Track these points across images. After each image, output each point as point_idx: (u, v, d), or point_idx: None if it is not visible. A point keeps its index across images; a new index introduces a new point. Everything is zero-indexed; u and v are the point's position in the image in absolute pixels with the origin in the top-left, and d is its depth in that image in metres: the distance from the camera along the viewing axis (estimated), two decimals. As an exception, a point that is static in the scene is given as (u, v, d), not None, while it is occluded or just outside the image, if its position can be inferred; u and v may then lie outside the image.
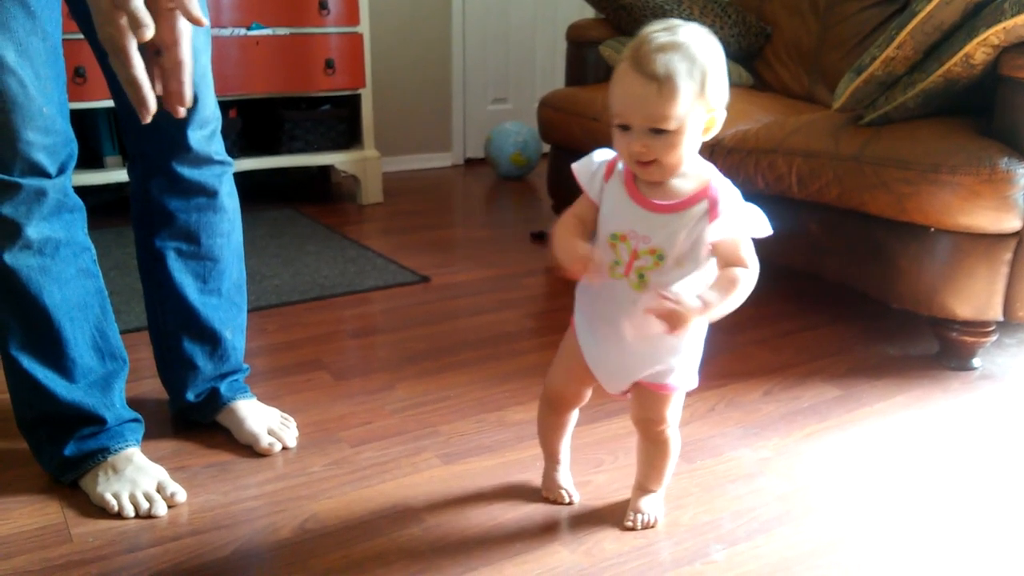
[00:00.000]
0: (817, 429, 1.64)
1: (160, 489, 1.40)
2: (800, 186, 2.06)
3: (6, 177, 1.24)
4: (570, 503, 1.38)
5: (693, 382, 1.26)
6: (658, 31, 1.08)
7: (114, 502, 1.37)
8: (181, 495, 1.40)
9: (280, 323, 2.22)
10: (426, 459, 1.53)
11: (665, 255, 1.15)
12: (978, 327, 1.87)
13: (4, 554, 1.27)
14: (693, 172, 1.14)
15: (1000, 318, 1.85)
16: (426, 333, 2.15)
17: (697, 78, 1.06)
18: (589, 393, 1.32)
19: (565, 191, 2.96)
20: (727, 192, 1.14)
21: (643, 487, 1.34)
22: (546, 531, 1.31)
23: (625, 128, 1.09)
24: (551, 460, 1.41)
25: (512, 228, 3.18)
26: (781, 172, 2.10)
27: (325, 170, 3.85)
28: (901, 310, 1.96)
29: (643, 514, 1.32)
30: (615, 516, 1.35)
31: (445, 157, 4.41)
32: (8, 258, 1.29)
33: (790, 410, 1.71)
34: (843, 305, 2.29)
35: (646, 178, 1.14)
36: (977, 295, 1.82)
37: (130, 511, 1.36)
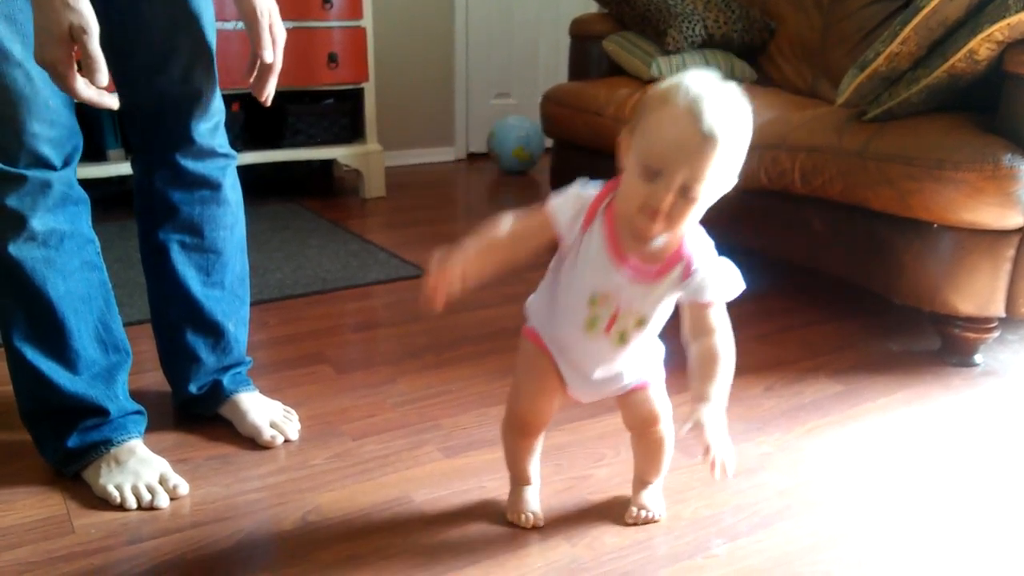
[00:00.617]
0: (818, 425, 1.64)
1: (162, 481, 1.40)
2: (803, 181, 2.06)
3: (11, 169, 1.25)
4: (535, 527, 1.31)
5: (662, 374, 1.27)
6: (710, 85, 1.01)
7: (116, 494, 1.37)
8: (183, 487, 1.40)
9: (282, 317, 2.22)
10: (428, 452, 1.53)
11: (646, 319, 1.16)
12: (980, 323, 1.87)
13: (7, 545, 1.27)
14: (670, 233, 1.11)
15: (1002, 314, 1.84)
16: (428, 327, 2.15)
17: (740, 153, 1.03)
18: (557, 406, 1.28)
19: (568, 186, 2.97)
20: (700, 252, 1.12)
21: (642, 480, 1.34)
22: (548, 525, 1.31)
23: (653, 175, 1.02)
24: (520, 481, 1.34)
25: (515, 223, 3.18)
26: (784, 167, 2.10)
27: (327, 164, 3.85)
28: (903, 306, 1.96)
29: (646, 509, 1.32)
30: (616, 510, 1.35)
31: (448, 152, 4.41)
32: (13, 249, 1.29)
33: (792, 406, 1.71)
34: (845, 301, 2.29)
35: (644, 232, 1.07)
36: (979, 291, 1.82)
37: (132, 503, 1.36)
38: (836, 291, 2.34)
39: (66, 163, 1.31)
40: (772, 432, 1.61)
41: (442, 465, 1.49)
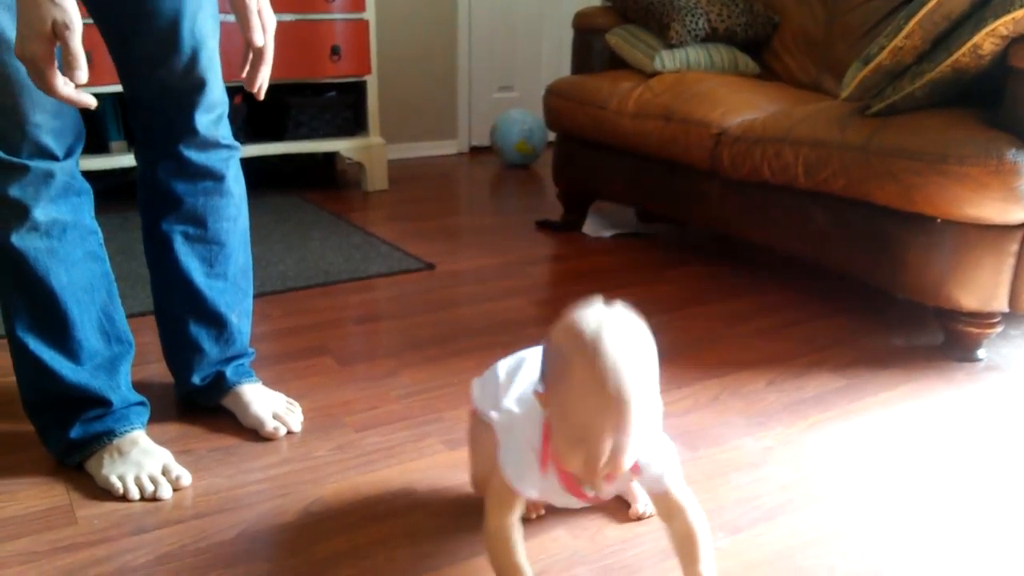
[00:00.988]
0: (820, 419, 1.64)
1: (165, 472, 1.40)
2: (806, 176, 2.06)
3: (14, 159, 1.25)
4: (537, 517, 1.28)
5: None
6: (605, 334, 0.98)
7: (119, 484, 1.37)
8: (186, 478, 1.41)
9: (285, 309, 2.22)
10: (430, 444, 1.53)
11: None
12: (983, 318, 1.87)
13: (9, 535, 1.27)
14: None
15: (1005, 309, 1.84)
16: (431, 320, 2.15)
17: (650, 386, 1.01)
18: None
19: (571, 179, 2.97)
20: (645, 450, 1.08)
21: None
22: (549, 517, 1.31)
23: (579, 441, 1.00)
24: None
25: (517, 216, 3.18)
26: (787, 161, 2.10)
27: (330, 157, 3.85)
28: (906, 301, 1.96)
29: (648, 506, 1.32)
30: (618, 503, 1.35)
31: (450, 145, 4.41)
32: (16, 239, 1.29)
33: (793, 400, 1.71)
34: (848, 295, 2.29)
35: (596, 487, 1.08)
36: (983, 286, 1.82)
37: (135, 493, 1.37)
38: (838, 286, 2.34)
39: (68, 154, 1.31)
40: (774, 427, 1.61)
41: (445, 457, 1.49)
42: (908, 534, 1.28)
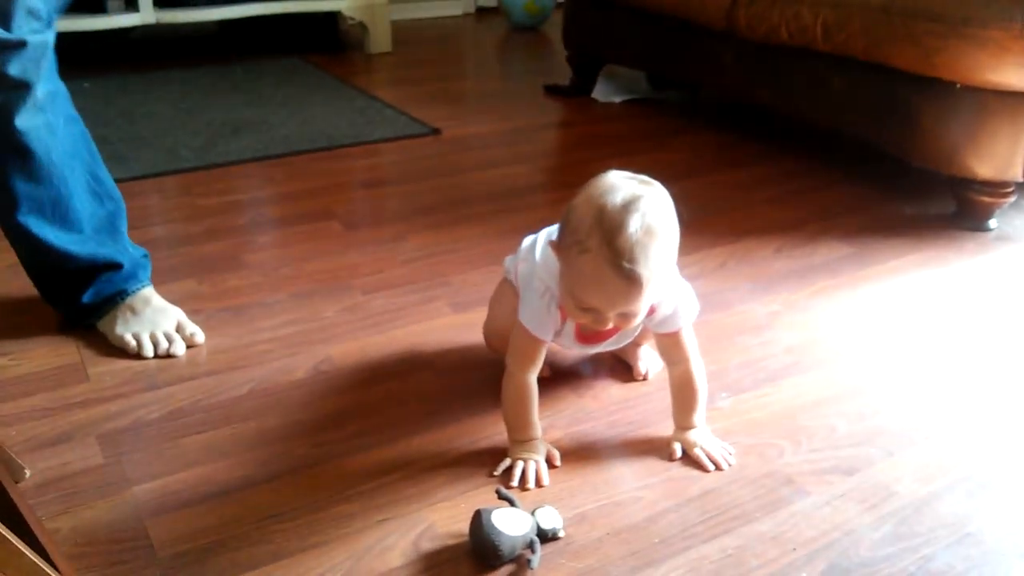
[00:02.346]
0: (828, 285, 1.64)
1: (179, 329, 1.41)
2: (825, 38, 2.00)
3: (11, 36, 1.19)
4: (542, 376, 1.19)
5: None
6: (629, 216, 0.98)
7: (134, 342, 1.38)
8: (200, 335, 1.42)
9: (288, 172, 2.20)
10: (437, 307, 1.54)
11: (622, 342, 1.21)
12: (997, 187, 1.84)
13: (23, 392, 1.29)
14: None
15: (1020, 179, 1.82)
16: (437, 185, 2.13)
17: (665, 267, 1.03)
18: None
19: (581, 42, 2.88)
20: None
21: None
22: (555, 376, 1.33)
23: (587, 310, 1.03)
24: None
25: (525, 80, 3.10)
26: (806, 23, 2.03)
27: (332, 17, 3.73)
28: (919, 169, 1.93)
29: (643, 361, 1.34)
30: (624, 365, 1.36)
31: (456, 5, 4.27)
32: (19, 122, 1.25)
33: (802, 266, 1.71)
34: (861, 163, 2.25)
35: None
36: (999, 155, 1.79)
37: (149, 350, 1.38)
38: (852, 153, 2.30)
39: (51, 20, 1.25)
40: (780, 292, 1.61)
41: (451, 319, 1.50)
42: (911, 398, 1.30)
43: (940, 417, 1.25)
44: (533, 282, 1.14)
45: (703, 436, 1.16)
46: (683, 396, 1.17)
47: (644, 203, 1.00)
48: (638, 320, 1.06)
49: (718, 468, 1.13)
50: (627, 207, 0.99)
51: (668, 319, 1.14)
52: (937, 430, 1.22)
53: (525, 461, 1.12)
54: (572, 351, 1.28)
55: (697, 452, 1.14)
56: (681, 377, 1.17)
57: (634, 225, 0.98)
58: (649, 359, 1.35)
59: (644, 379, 1.33)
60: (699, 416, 1.17)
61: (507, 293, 1.26)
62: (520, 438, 1.15)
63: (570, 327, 1.15)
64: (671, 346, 1.16)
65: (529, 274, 1.16)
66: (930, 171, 1.90)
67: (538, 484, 1.11)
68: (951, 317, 1.54)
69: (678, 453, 1.15)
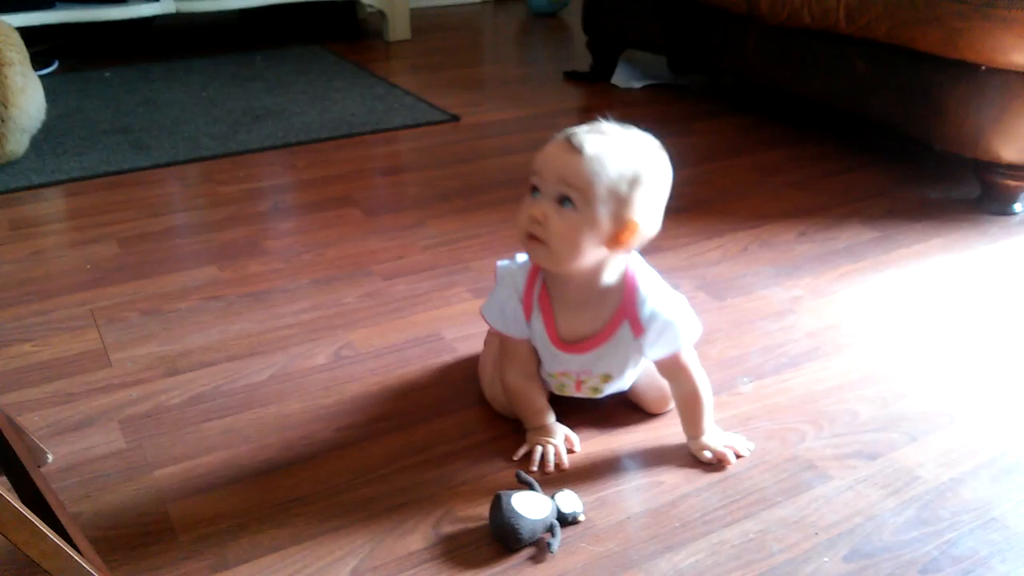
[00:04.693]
0: (851, 269, 1.62)
1: None
2: (848, 20, 1.97)
3: None
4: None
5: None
6: (608, 126, 1.00)
7: None
8: None
9: (309, 159, 2.20)
10: (457, 293, 1.54)
11: (612, 374, 1.13)
12: (1022, 171, 1.81)
13: (45, 378, 1.30)
14: (611, 288, 1.06)
15: (1047, 162, 1.79)
16: (456, 172, 2.13)
17: (626, 174, 0.96)
18: None
19: (601, 27, 2.86)
20: (647, 297, 1.06)
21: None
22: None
23: (534, 191, 0.99)
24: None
25: (544, 66, 3.09)
26: (829, 6, 2.00)
27: (351, 5, 3.72)
28: (943, 152, 1.91)
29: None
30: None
31: (475, -7, 4.26)
32: None
33: (825, 250, 1.69)
34: (884, 146, 2.23)
35: (533, 260, 1.04)
36: (1025, 137, 1.76)
37: None
38: (875, 137, 2.28)
39: None
40: (803, 276, 1.60)
41: (472, 305, 1.50)
42: (934, 382, 1.29)
43: (964, 402, 1.24)
44: (505, 281, 1.12)
45: (712, 437, 1.12)
46: (689, 412, 1.13)
47: (633, 132, 1.01)
48: (554, 219, 0.97)
49: (738, 456, 1.12)
50: (611, 126, 1.01)
51: (664, 338, 1.07)
52: (961, 415, 1.21)
53: (543, 445, 1.12)
54: (559, 372, 1.14)
55: (707, 455, 1.11)
56: (686, 396, 1.12)
57: (607, 130, 1.00)
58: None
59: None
60: (707, 422, 1.13)
61: (491, 342, 1.25)
62: (533, 425, 1.15)
63: (540, 328, 1.09)
64: (673, 369, 1.11)
65: (503, 275, 1.13)
66: (954, 155, 1.87)
67: (558, 468, 1.11)
68: (975, 302, 1.52)
69: (703, 458, 1.12)
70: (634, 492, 1.07)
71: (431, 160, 2.22)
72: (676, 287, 1.51)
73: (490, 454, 1.13)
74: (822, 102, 2.19)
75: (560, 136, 1.00)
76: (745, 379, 1.29)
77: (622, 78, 2.87)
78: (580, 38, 3.01)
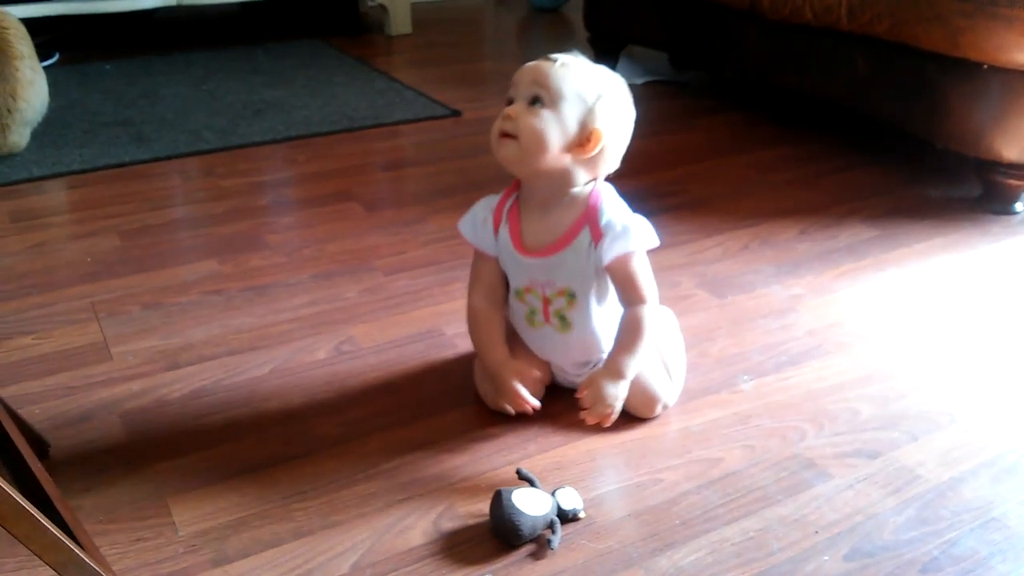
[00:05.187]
0: (852, 268, 1.62)
1: None
2: (850, 17, 1.97)
3: None
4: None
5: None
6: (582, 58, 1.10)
7: None
8: None
9: (310, 154, 2.20)
10: (459, 288, 1.53)
11: (575, 292, 1.13)
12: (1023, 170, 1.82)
13: (46, 371, 1.30)
14: (575, 200, 1.11)
15: (1048, 161, 1.79)
16: (458, 167, 2.13)
17: (592, 87, 1.07)
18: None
19: (603, 23, 2.86)
20: (607, 209, 1.10)
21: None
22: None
23: (509, 102, 1.07)
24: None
25: (545, 62, 3.08)
26: (831, 2, 2.00)
27: (353, -1, 3.73)
28: (945, 151, 1.91)
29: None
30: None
31: (477, -12, 4.25)
32: None
33: (825, 249, 1.69)
34: (886, 145, 2.23)
35: (501, 158, 1.08)
36: (1026, 136, 1.76)
37: None
38: (876, 135, 2.28)
39: None
40: (804, 275, 1.60)
41: (472, 301, 1.49)
42: (935, 381, 1.29)
43: (965, 401, 1.24)
44: (483, 200, 1.19)
45: (614, 386, 1.10)
46: (626, 335, 1.11)
47: (600, 69, 1.11)
48: (533, 123, 1.04)
49: (599, 424, 1.12)
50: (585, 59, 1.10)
51: (619, 240, 1.08)
52: (962, 414, 1.21)
53: (509, 385, 1.13)
54: (525, 286, 1.15)
55: (585, 395, 1.10)
56: (630, 318, 1.11)
57: (579, 57, 1.10)
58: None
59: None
60: (631, 365, 1.10)
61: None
62: (490, 361, 1.17)
63: (505, 237, 1.13)
64: (625, 280, 1.11)
65: (484, 199, 1.19)
66: (956, 153, 1.87)
67: (532, 407, 1.14)
68: (976, 301, 1.52)
69: (579, 393, 1.11)
70: (634, 489, 1.07)
71: (432, 155, 2.22)
72: (676, 284, 1.54)
73: (491, 450, 1.13)
74: (823, 99, 2.19)
75: (534, 59, 1.09)
76: (745, 377, 1.29)
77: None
78: (581, 34, 3.01)
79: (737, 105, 2.60)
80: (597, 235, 1.09)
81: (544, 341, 1.19)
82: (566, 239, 1.11)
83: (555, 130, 1.05)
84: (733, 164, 2.13)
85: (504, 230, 1.14)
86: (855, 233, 1.76)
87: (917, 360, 1.34)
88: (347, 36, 3.41)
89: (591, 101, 1.06)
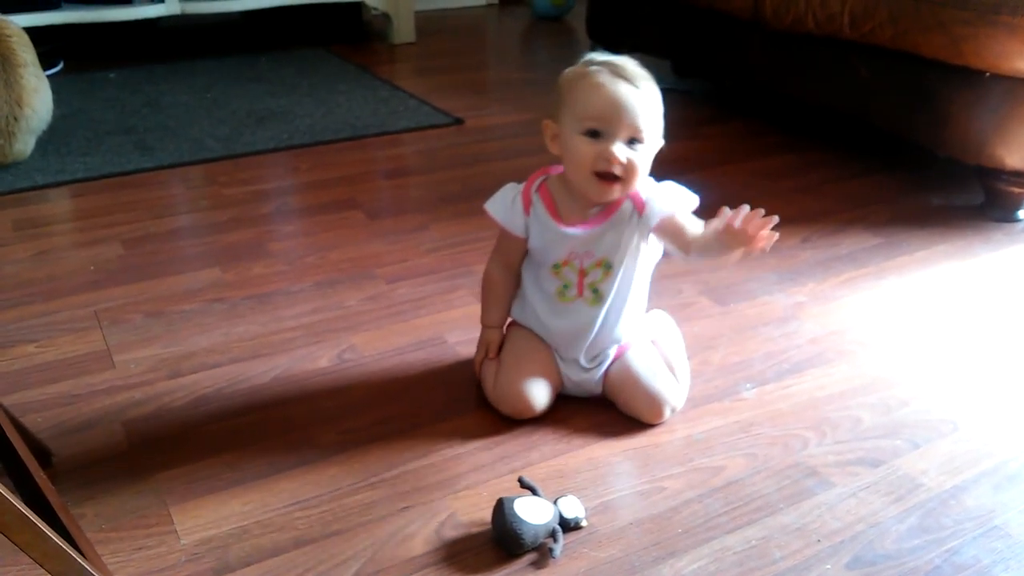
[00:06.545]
0: (855, 276, 1.62)
1: None
2: (852, 26, 1.97)
3: None
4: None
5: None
6: (615, 57, 1.11)
7: None
8: None
9: (313, 162, 2.20)
10: (460, 296, 1.54)
11: (612, 262, 1.15)
12: (1026, 177, 1.82)
13: (49, 379, 1.31)
14: None
15: (1051, 169, 1.79)
16: (460, 175, 2.13)
17: (661, 109, 1.11)
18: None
19: (606, 33, 2.86)
20: (648, 188, 1.15)
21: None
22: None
23: (595, 135, 1.08)
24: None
25: (548, 70, 3.09)
26: (833, 11, 2.00)
27: (356, 7, 3.73)
28: (947, 159, 1.91)
29: None
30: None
31: (479, -4, 4.26)
32: None
33: (828, 256, 1.69)
34: (888, 153, 2.23)
35: (603, 198, 1.11)
36: (1028, 144, 1.76)
37: None
38: (878, 143, 2.27)
39: None
40: (806, 282, 1.59)
41: (474, 308, 1.47)
42: (937, 390, 1.29)
43: (967, 409, 1.24)
44: (507, 184, 1.21)
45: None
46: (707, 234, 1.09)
47: (619, 58, 1.11)
48: (636, 164, 1.08)
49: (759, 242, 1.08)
50: (610, 57, 1.11)
51: (663, 202, 1.13)
52: (964, 422, 1.21)
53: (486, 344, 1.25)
54: (557, 251, 1.16)
55: (743, 216, 1.06)
56: (701, 236, 1.10)
57: (627, 60, 1.11)
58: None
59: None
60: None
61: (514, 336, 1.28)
62: (484, 318, 1.26)
63: (543, 213, 1.15)
64: (676, 229, 1.13)
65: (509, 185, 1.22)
66: (958, 161, 1.87)
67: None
68: (979, 308, 1.52)
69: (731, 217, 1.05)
70: (636, 498, 1.06)
71: (435, 163, 2.22)
72: (679, 292, 1.54)
73: (493, 458, 1.13)
74: (826, 108, 2.19)
75: (602, 72, 1.08)
76: (748, 385, 1.29)
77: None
78: (584, 42, 3.01)
79: (740, 113, 2.60)
80: (640, 205, 1.13)
81: (571, 317, 1.18)
82: (607, 212, 1.14)
83: (650, 160, 1.11)
84: (736, 172, 2.13)
85: (538, 208, 1.16)
86: (858, 241, 1.76)
87: (919, 368, 1.34)
88: (350, 44, 3.42)
89: (662, 122, 1.11)
